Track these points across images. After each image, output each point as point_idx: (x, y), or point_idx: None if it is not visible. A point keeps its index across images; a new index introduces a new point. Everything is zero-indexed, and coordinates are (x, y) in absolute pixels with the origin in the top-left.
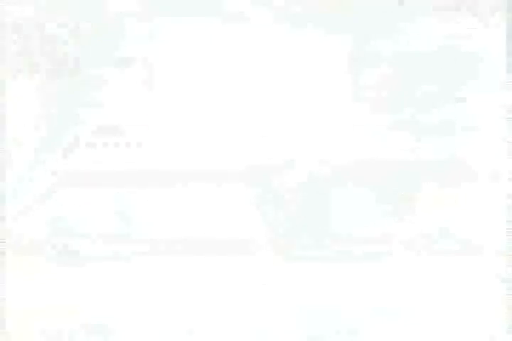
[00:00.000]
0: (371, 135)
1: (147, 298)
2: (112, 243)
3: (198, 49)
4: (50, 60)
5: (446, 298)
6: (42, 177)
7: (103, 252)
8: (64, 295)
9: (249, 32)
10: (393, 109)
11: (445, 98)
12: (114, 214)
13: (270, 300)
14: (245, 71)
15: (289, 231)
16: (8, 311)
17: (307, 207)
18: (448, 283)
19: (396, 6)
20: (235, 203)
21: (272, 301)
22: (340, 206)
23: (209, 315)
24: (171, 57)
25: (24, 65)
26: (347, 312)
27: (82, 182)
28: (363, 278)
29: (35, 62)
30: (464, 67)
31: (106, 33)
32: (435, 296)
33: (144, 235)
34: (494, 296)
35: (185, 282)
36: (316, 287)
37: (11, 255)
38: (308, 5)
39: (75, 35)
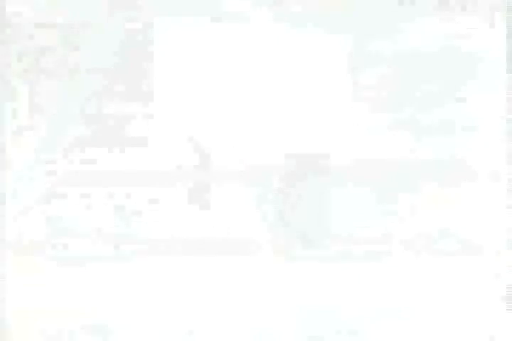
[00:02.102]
0: (371, 135)
1: (147, 298)
2: (111, 243)
3: (198, 49)
4: (50, 60)
5: (446, 298)
6: (42, 177)
7: (103, 252)
8: (64, 295)
9: (249, 32)
10: (393, 109)
11: (445, 98)
12: (113, 214)
13: (270, 300)
14: (245, 71)
15: (289, 231)
16: (8, 311)
17: (307, 207)
18: (448, 283)
19: (396, 6)
20: (235, 203)
21: (272, 301)
22: (340, 206)
23: (209, 315)
24: (171, 57)
25: (24, 65)
26: (347, 312)
27: (82, 182)
28: (363, 278)
29: (35, 62)
30: (464, 67)
31: (105, 33)
32: (435, 296)
33: (144, 235)
34: (494, 296)
35: (185, 282)
36: (316, 287)
37: (11, 255)
38: (308, 5)
39: (75, 34)
